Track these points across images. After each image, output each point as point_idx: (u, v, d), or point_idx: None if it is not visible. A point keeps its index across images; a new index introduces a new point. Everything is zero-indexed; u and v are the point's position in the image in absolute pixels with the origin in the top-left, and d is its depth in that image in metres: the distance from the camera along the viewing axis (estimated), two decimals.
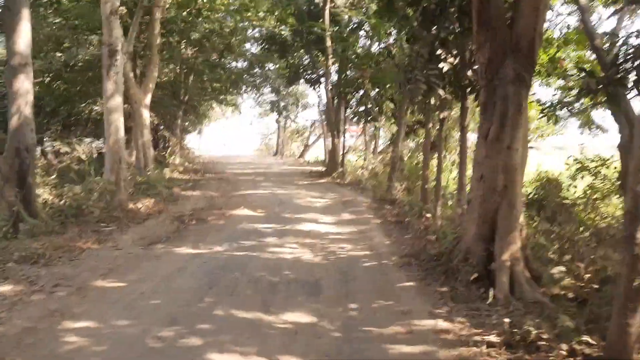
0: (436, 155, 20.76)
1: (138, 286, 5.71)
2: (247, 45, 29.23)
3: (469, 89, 7.81)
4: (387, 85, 17.87)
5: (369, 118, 19.84)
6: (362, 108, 21.41)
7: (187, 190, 15.12)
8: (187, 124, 34.06)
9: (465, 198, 8.18)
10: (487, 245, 5.57)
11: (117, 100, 10.67)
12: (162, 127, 22.17)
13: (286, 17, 17.18)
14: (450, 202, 9.95)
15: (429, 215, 9.27)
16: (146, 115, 14.27)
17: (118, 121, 10.74)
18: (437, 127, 10.52)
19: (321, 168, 24.40)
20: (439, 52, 7.91)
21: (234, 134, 59.72)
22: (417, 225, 9.10)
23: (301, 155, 37.73)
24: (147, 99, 14.24)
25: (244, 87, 32.35)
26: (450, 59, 7.98)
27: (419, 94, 7.57)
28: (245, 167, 27.24)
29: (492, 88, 5.59)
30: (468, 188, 8.59)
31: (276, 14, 16.86)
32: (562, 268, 5.51)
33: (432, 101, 10.24)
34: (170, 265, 6.66)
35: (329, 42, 18.53)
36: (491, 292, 5.09)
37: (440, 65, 7.82)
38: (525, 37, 5.44)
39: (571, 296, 5.15)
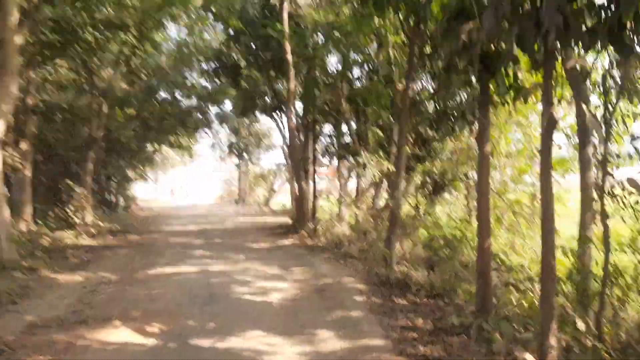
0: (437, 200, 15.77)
1: None
2: (201, 81, 24.45)
3: None
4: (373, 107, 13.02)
5: (348, 153, 14.72)
6: (335, 142, 16.48)
7: (67, 270, 9.32)
8: (129, 170, 28.30)
9: None
10: None
11: None
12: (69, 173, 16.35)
13: (226, 15, 12.15)
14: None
15: (527, 357, 3.89)
16: None
17: None
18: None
19: (288, 219, 19.01)
20: None
21: (195, 181, 53.87)
22: None
23: (266, 204, 32.25)
24: None
25: (194, 126, 27.16)
26: None
27: (555, 29, 2.42)
28: (193, 221, 21.71)
29: None
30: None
31: (213, 9, 11.79)
32: None
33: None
34: None
35: (289, 51, 13.54)
36: None
37: None
38: None
39: None
